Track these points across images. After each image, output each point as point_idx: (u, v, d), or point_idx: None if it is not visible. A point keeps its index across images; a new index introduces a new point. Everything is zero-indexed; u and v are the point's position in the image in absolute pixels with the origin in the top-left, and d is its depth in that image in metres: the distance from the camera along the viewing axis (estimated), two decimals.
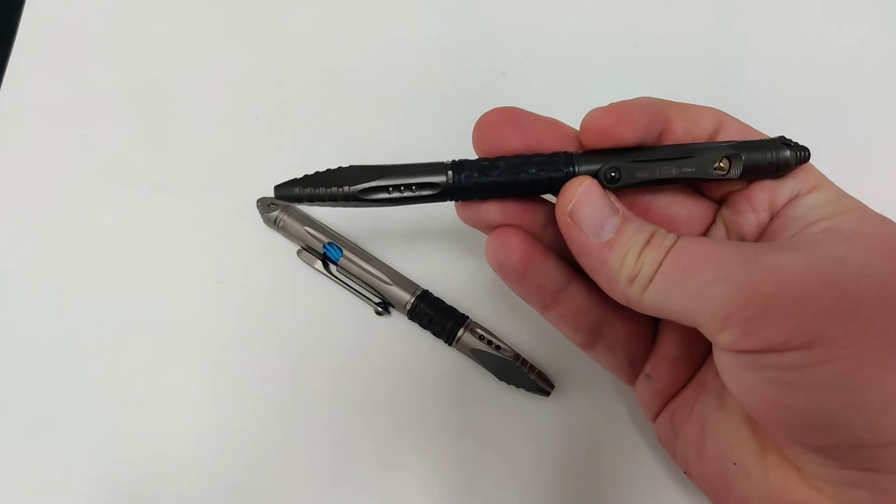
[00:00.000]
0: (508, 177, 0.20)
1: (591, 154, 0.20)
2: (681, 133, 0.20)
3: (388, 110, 0.30)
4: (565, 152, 0.20)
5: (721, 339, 0.17)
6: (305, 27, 0.33)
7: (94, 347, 0.28)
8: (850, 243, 0.18)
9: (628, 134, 0.19)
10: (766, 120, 0.30)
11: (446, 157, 0.30)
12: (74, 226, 0.30)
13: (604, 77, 0.31)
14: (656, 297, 0.18)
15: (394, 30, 0.33)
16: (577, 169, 0.20)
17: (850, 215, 0.19)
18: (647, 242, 0.19)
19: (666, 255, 0.18)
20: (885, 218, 0.19)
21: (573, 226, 0.19)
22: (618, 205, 0.20)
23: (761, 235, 0.21)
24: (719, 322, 0.17)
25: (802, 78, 0.31)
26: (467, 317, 0.26)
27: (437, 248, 0.29)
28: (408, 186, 0.21)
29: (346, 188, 0.20)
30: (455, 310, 0.27)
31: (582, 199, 0.19)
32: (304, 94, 0.31)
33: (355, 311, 0.28)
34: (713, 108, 0.21)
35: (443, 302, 0.27)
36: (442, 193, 0.20)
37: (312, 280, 0.28)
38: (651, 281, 0.18)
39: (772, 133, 0.21)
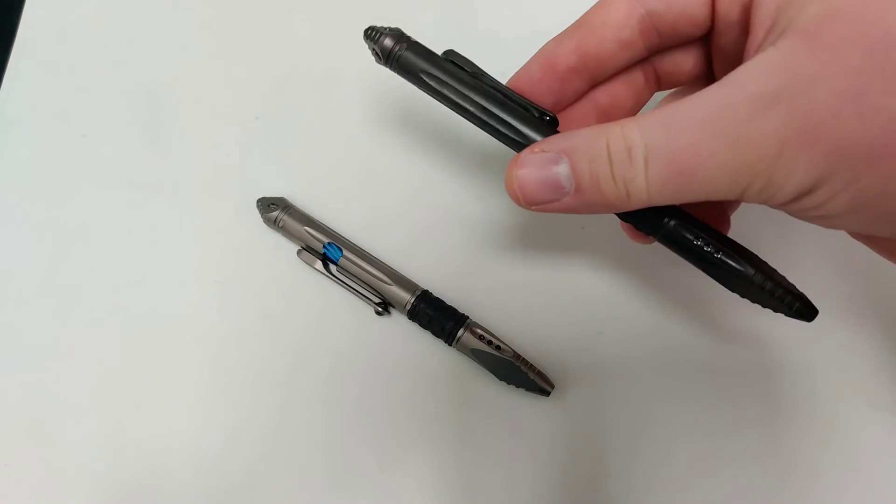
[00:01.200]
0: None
1: None
2: None
3: (388, 110, 0.30)
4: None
5: (749, 199, 0.17)
6: (305, 27, 0.33)
7: (94, 347, 0.28)
8: (817, 51, 0.15)
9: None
10: None
11: (447, 156, 0.30)
12: (75, 226, 0.30)
13: None
14: (669, 197, 0.18)
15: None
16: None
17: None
18: (611, 161, 0.18)
19: (646, 166, 0.17)
20: None
21: (543, 207, 0.19)
22: (556, 145, 0.19)
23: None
24: (738, 196, 0.17)
25: None
26: (467, 317, 0.26)
27: (437, 248, 0.29)
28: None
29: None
30: (455, 310, 0.27)
31: (522, 187, 0.19)
32: (304, 94, 0.31)
33: (355, 311, 0.28)
34: None
35: (443, 302, 0.27)
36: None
37: (312, 280, 0.28)
38: (650, 192, 0.17)
39: None
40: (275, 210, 0.28)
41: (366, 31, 0.23)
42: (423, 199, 0.29)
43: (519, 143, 0.20)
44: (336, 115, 0.31)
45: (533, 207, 0.19)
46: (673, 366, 0.27)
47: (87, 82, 0.32)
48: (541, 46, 0.22)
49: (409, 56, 0.22)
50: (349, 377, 0.27)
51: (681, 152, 0.17)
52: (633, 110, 0.23)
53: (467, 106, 0.21)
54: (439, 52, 0.22)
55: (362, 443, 0.26)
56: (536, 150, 0.19)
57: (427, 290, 0.27)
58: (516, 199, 0.19)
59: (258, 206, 0.29)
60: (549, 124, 0.20)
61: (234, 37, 0.33)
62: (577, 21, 0.21)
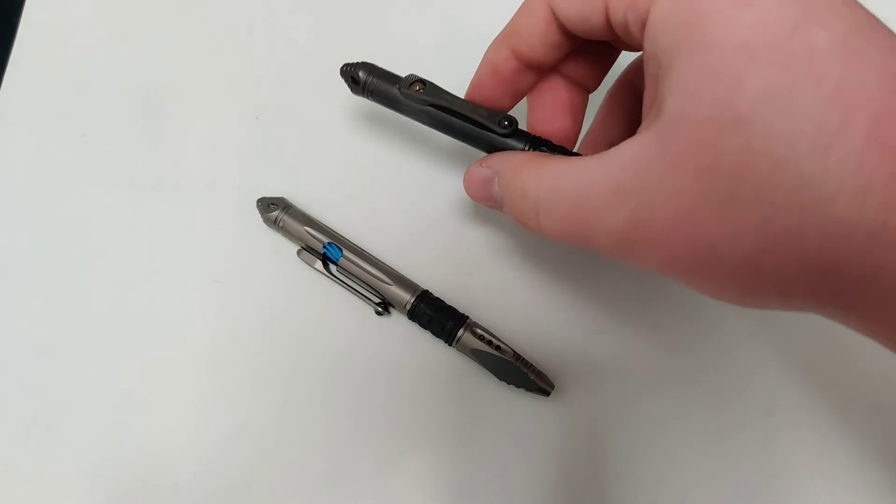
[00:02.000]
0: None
1: None
2: None
3: (388, 110, 0.30)
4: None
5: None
6: (306, 27, 0.33)
7: (93, 347, 0.28)
8: (664, 161, 0.16)
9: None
10: None
11: (447, 156, 0.30)
12: (74, 225, 0.30)
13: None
14: (563, 242, 0.20)
15: (394, 30, 0.33)
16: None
17: (675, 69, 0.16)
18: (516, 200, 0.21)
19: (538, 217, 0.20)
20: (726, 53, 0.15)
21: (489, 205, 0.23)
22: (494, 165, 0.22)
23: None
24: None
25: None
26: (467, 317, 0.26)
27: (437, 248, 0.29)
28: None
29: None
30: (455, 310, 0.27)
31: (469, 190, 0.24)
32: (304, 94, 0.31)
33: (355, 311, 0.28)
34: None
35: (443, 302, 0.27)
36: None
37: (312, 280, 0.28)
38: (548, 235, 0.20)
39: None
40: (275, 210, 0.28)
41: (341, 68, 0.26)
42: (424, 198, 0.29)
43: (485, 146, 0.24)
44: (336, 115, 0.31)
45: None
46: (673, 366, 0.27)
47: (87, 82, 0.32)
48: (483, 54, 0.24)
49: (381, 85, 0.25)
50: (349, 377, 0.27)
51: (562, 218, 0.19)
52: (601, 75, 0.24)
53: (436, 124, 0.24)
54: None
55: (362, 442, 0.26)
56: (483, 165, 0.23)
57: (427, 290, 0.27)
58: (470, 193, 0.24)
59: (258, 206, 0.29)
60: (507, 129, 0.23)
61: (234, 36, 0.33)
62: (506, 28, 0.23)
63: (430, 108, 0.24)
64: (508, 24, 0.23)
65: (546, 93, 0.24)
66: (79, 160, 0.31)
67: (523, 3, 0.22)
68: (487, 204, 0.23)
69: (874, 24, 0.15)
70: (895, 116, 0.14)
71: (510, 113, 0.23)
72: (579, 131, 0.25)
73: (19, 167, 0.31)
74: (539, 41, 0.21)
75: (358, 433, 0.26)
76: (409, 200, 0.30)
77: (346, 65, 0.25)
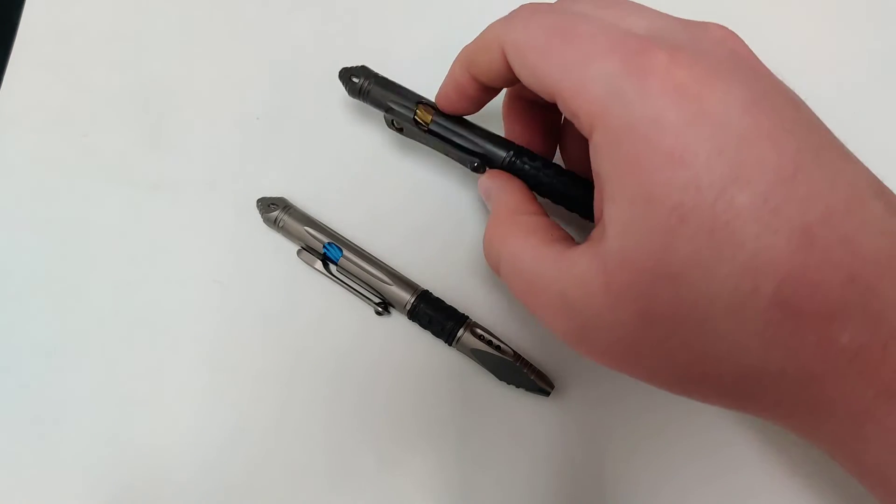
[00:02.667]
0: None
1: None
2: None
3: None
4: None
5: None
6: (306, 27, 0.33)
7: (93, 347, 0.28)
8: (602, 289, 0.18)
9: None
10: None
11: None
12: (74, 226, 0.30)
13: None
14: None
15: (394, 31, 0.33)
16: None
17: (616, 203, 0.17)
18: (490, 242, 0.23)
19: (500, 272, 0.22)
20: (656, 200, 0.16)
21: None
22: (487, 188, 0.24)
23: None
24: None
25: (800, 80, 0.31)
26: (467, 317, 0.26)
27: (437, 249, 0.29)
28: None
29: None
30: (455, 310, 0.27)
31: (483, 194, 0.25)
32: (304, 94, 0.31)
33: (355, 311, 0.28)
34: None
35: (443, 302, 0.27)
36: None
37: (312, 280, 0.28)
38: (508, 287, 0.22)
39: None
40: (275, 210, 0.28)
41: (339, 72, 0.27)
42: (424, 198, 0.29)
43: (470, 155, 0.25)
44: (337, 115, 0.31)
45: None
46: None
47: (88, 82, 0.32)
48: (450, 68, 0.24)
49: (377, 89, 0.26)
50: (349, 377, 0.27)
51: (516, 290, 0.21)
52: None
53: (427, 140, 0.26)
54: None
55: (362, 442, 0.26)
56: (488, 178, 0.24)
57: (427, 290, 0.27)
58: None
59: (258, 206, 0.29)
60: (476, 170, 0.25)
61: (234, 37, 0.33)
62: (466, 54, 0.23)
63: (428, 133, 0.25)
64: (467, 49, 0.23)
65: (516, 108, 0.25)
66: (79, 160, 0.31)
67: (482, 35, 0.22)
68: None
69: (799, 165, 0.16)
70: (796, 277, 0.15)
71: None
72: (555, 143, 0.26)
73: (19, 167, 0.31)
74: (496, 76, 0.22)
75: (358, 433, 0.26)
76: (409, 200, 0.30)
77: (344, 70, 0.27)
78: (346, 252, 0.27)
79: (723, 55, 0.18)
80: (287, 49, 0.32)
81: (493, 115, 0.26)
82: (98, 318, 0.28)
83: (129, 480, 0.26)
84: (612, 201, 0.17)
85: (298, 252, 0.28)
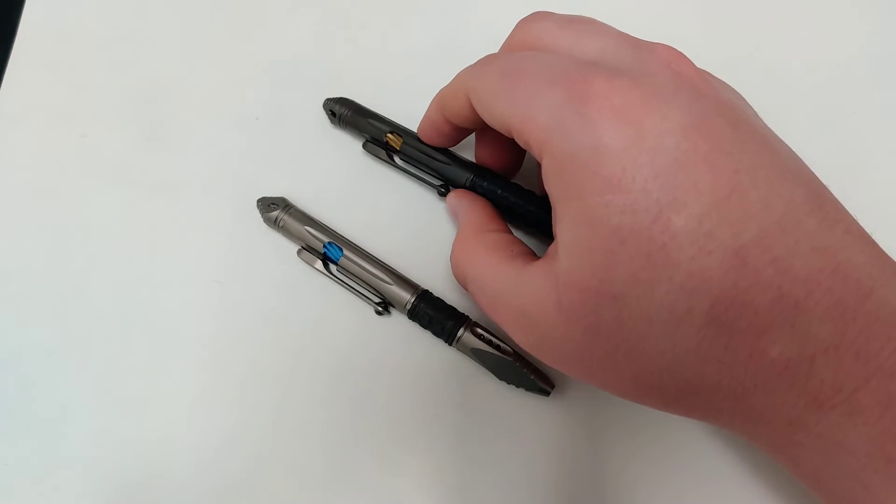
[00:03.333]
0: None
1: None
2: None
3: (388, 112, 0.30)
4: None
5: None
6: (306, 27, 0.33)
7: (93, 347, 0.28)
8: (556, 309, 0.19)
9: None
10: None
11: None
12: (74, 226, 0.30)
13: None
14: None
15: (394, 31, 0.33)
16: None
17: (563, 224, 0.19)
18: (455, 261, 0.24)
19: (467, 286, 0.23)
20: (599, 221, 0.17)
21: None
22: (454, 207, 0.26)
23: None
24: None
25: (800, 81, 0.32)
26: (467, 316, 0.26)
27: (437, 248, 0.29)
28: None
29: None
30: (455, 309, 0.27)
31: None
32: (304, 94, 0.31)
33: (355, 310, 0.28)
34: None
35: (443, 301, 0.27)
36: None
37: (312, 280, 0.28)
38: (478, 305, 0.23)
39: None
40: (275, 210, 0.28)
41: (323, 103, 0.30)
42: (424, 198, 0.30)
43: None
44: None
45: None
46: None
47: (87, 82, 0.32)
48: (428, 108, 0.26)
49: (354, 118, 0.29)
50: (349, 377, 0.27)
51: (482, 305, 0.22)
52: None
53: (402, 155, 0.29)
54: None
55: (361, 442, 0.26)
56: (454, 198, 0.27)
57: (427, 290, 0.27)
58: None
59: (258, 206, 0.29)
60: (441, 193, 0.28)
61: (234, 37, 0.33)
62: (441, 98, 0.25)
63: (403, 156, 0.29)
64: (441, 93, 0.25)
65: (487, 134, 0.26)
66: (79, 161, 0.31)
67: (452, 83, 0.24)
68: None
69: (734, 187, 0.17)
70: (728, 298, 0.16)
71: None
72: (520, 164, 0.27)
73: (19, 167, 0.31)
74: (465, 118, 0.23)
75: (358, 433, 0.26)
76: (409, 200, 0.30)
77: (328, 100, 0.30)
78: (346, 251, 0.27)
79: (666, 78, 0.18)
80: (287, 49, 0.33)
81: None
82: (98, 318, 0.28)
83: (129, 480, 0.26)
84: (561, 223, 0.18)
85: (298, 252, 0.28)
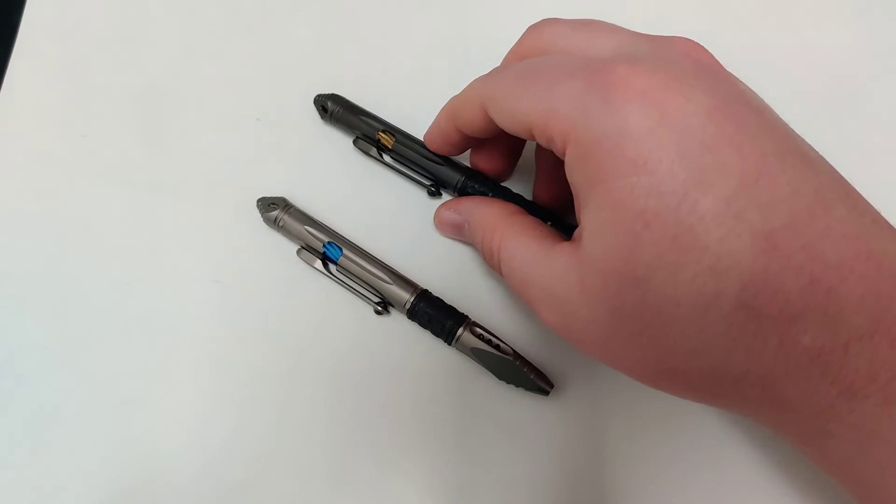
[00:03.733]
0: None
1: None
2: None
3: (386, 113, 0.30)
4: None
5: None
6: (306, 28, 0.33)
7: (93, 347, 0.28)
8: (578, 289, 0.19)
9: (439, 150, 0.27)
10: None
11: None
12: (74, 226, 0.30)
13: None
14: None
15: (394, 32, 0.33)
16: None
17: (588, 210, 0.18)
18: (483, 249, 0.24)
19: (501, 268, 0.23)
20: (624, 207, 0.17)
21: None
22: (464, 212, 0.26)
23: None
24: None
25: (801, 81, 0.32)
26: (467, 316, 0.26)
27: (437, 248, 0.29)
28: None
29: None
30: (455, 309, 0.27)
31: (442, 226, 0.28)
32: (304, 95, 0.31)
33: (355, 310, 0.28)
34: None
35: (442, 301, 0.27)
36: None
37: (312, 279, 0.28)
38: (511, 288, 0.23)
39: None
40: (275, 210, 0.28)
41: (314, 99, 0.30)
42: (424, 198, 0.30)
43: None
44: None
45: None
46: None
47: (87, 82, 0.32)
48: (437, 115, 0.26)
49: (345, 115, 0.30)
50: (348, 376, 0.27)
51: (515, 287, 0.22)
52: None
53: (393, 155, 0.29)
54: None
55: (361, 442, 0.26)
56: (453, 210, 0.27)
57: (427, 290, 0.27)
58: (440, 230, 0.28)
59: (258, 206, 0.29)
60: (432, 193, 0.29)
61: (234, 37, 0.33)
62: (452, 107, 0.25)
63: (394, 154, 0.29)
64: (452, 103, 0.25)
65: (485, 140, 0.26)
66: (79, 160, 0.31)
67: (464, 92, 0.24)
68: (458, 239, 0.28)
69: (762, 170, 0.16)
70: (758, 282, 0.16)
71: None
72: (513, 168, 0.28)
73: (19, 167, 0.31)
74: (478, 128, 0.24)
75: (358, 432, 0.26)
76: (409, 200, 0.30)
77: (319, 96, 0.30)
78: (345, 251, 0.27)
79: (686, 64, 0.19)
80: (287, 49, 0.33)
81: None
82: (97, 317, 0.28)
83: (128, 480, 0.26)
84: (585, 208, 0.18)
85: (298, 251, 0.28)
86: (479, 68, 0.32)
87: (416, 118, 0.30)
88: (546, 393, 0.26)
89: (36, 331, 0.28)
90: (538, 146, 0.27)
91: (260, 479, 0.26)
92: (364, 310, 0.28)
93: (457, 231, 0.27)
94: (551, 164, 0.26)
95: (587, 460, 0.26)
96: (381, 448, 0.26)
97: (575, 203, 0.20)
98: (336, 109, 0.30)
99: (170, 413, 0.27)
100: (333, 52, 0.33)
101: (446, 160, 0.28)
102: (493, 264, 0.24)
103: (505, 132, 0.22)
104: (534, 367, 0.26)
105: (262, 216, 0.29)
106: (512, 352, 0.26)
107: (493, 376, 0.26)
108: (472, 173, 0.28)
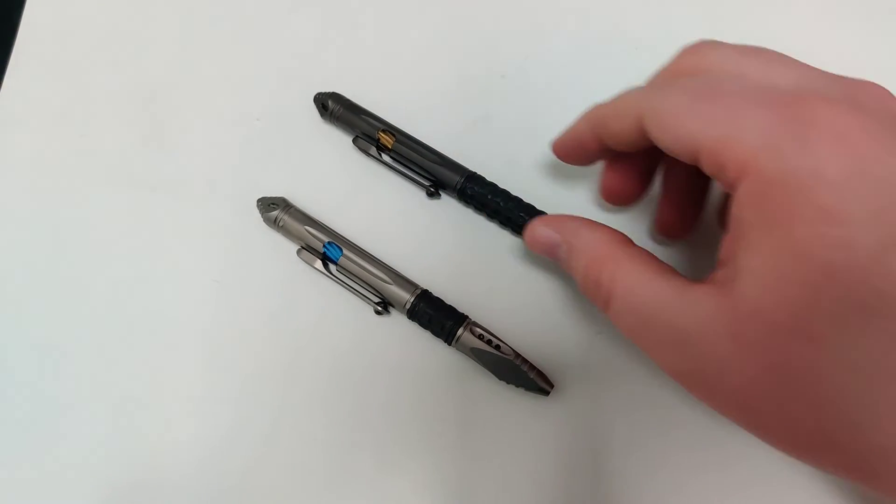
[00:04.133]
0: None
1: None
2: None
3: (386, 113, 0.30)
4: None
5: None
6: (306, 28, 0.33)
7: (93, 347, 0.28)
8: (726, 338, 0.17)
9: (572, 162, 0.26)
10: None
11: (446, 155, 0.30)
12: (74, 225, 0.30)
13: (603, 79, 0.31)
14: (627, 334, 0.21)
15: (393, 32, 0.33)
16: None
17: (756, 252, 0.17)
18: (587, 279, 0.22)
19: (608, 304, 0.21)
20: (807, 256, 0.16)
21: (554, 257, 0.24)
22: (565, 234, 0.23)
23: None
24: None
25: None
26: (467, 316, 0.26)
27: (437, 248, 0.29)
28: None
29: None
30: (455, 309, 0.27)
31: (533, 245, 0.25)
32: (304, 95, 0.31)
33: (355, 310, 0.28)
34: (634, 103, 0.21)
35: (442, 301, 0.27)
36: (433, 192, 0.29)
37: (312, 280, 0.28)
38: (618, 324, 0.21)
39: None
40: (275, 210, 0.28)
41: (314, 97, 0.30)
42: (423, 198, 0.30)
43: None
44: None
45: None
46: None
47: (87, 82, 0.32)
48: (575, 119, 0.24)
49: (345, 114, 0.30)
50: (348, 376, 0.27)
51: (627, 326, 0.20)
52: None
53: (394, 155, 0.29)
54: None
55: (361, 442, 0.26)
56: (551, 228, 0.24)
57: (427, 290, 0.27)
58: (529, 246, 0.25)
59: (258, 206, 0.29)
60: (431, 194, 0.29)
61: (234, 37, 0.33)
62: (597, 115, 0.23)
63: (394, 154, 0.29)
64: (599, 111, 0.23)
65: (622, 161, 0.25)
66: (79, 160, 0.31)
67: (616, 102, 0.22)
68: (551, 259, 0.25)
69: None
70: None
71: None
72: (646, 191, 0.26)
73: (19, 167, 0.31)
74: (625, 142, 0.22)
75: (357, 432, 0.26)
76: (408, 200, 0.30)
77: (319, 94, 0.30)
78: (345, 251, 0.27)
79: (884, 112, 0.17)
80: (287, 49, 0.33)
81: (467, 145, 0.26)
82: (97, 317, 0.28)
83: (127, 480, 0.26)
84: (753, 250, 0.17)
85: (298, 252, 0.28)
86: (480, 68, 0.32)
87: (416, 118, 0.30)
88: (546, 393, 0.26)
89: (36, 330, 0.28)
90: (669, 169, 0.25)
91: (259, 478, 0.26)
92: (364, 310, 0.28)
93: (550, 251, 0.24)
94: (684, 191, 0.25)
95: (587, 460, 0.26)
96: (381, 448, 0.26)
97: (730, 239, 0.18)
98: (336, 108, 0.30)
99: (169, 412, 0.27)
100: (333, 53, 0.33)
101: (446, 160, 0.28)
102: (596, 297, 0.21)
103: (647, 151, 0.21)
104: (534, 367, 0.26)
105: (262, 216, 0.29)
106: (512, 352, 0.26)
107: (493, 376, 0.26)
108: (470, 175, 0.28)
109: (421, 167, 0.28)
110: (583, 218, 0.24)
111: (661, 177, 0.26)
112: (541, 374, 0.26)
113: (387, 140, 0.29)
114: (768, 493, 0.25)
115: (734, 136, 0.17)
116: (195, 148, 0.31)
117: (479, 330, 0.26)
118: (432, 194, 0.29)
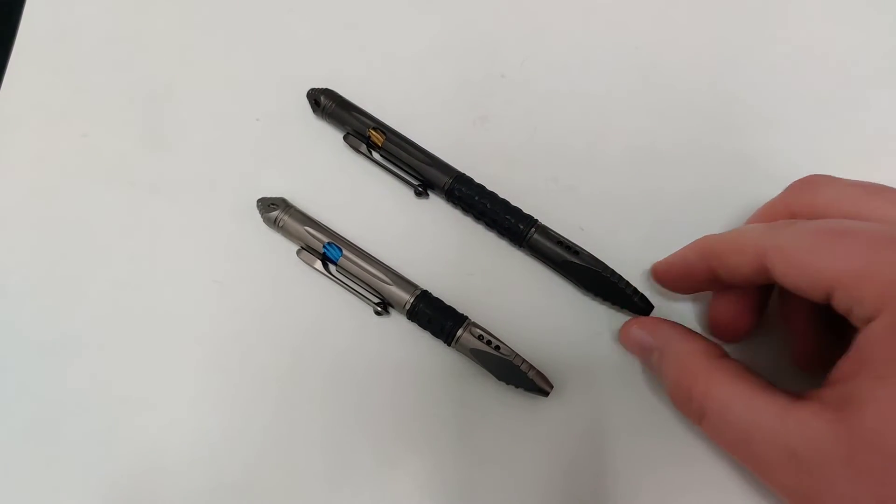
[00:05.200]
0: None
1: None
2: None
3: (385, 113, 0.30)
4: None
5: None
6: (305, 27, 0.33)
7: (92, 347, 0.28)
8: (842, 465, 0.17)
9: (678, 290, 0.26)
10: (768, 122, 0.31)
11: (446, 157, 0.30)
12: (74, 226, 0.30)
13: (603, 79, 0.31)
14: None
15: (392, 33, 0.33)
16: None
17: (888, 383, 0.17)
18: (679, 391, 0.22)
19: (700, 419, 0.21)
20: None
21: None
22: (659, 339, 0.24)
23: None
24: None
25: (804, 79, 0.32)
26: (466, 317, 0.26)
27: (437, 248, 0.29)
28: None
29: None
30: (454, 310, 0.27)
31: (626, 343, 0.26)
32: (303, 96, 0.31)
33: (354, 311, 0.28)
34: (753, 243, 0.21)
35: (442, 302, 0.27)
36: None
37: (312, 280, 0.28)
38: (712, 437, 0.22)
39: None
40: (275, 210, 0.28)
41: (307, 93, 0.30)
42: (423, 198, 0.30)
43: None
44: None
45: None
46: None
47: (87, 82, 0.32)
48: (683, 249, 0.25)
49: (337, 110, 0.30)
50: (348, 377, 0.27)
51: (725, 440, 0.21)
52: None
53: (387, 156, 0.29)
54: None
55: (361, 442, 0.26)
56: (647, 332, 0.25)
57: (426, 291, 0.27)
58: (623, 344, 0.26)
59: (258, 206, 0.29)
60: (420, 193, 0.29)
61: (234, 37, 0.33)
62: (713, 245, 0.23)
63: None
64: (713, 244, 0.23)
65: (731, 294, 0.25)
66: (79, 160, 0.31)
67: (734, 236, 0.22)
68: (639, 359, 0.26)
69: None
70: None
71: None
72: (754, 327, 0.25)
73: (19, 167, 0.31)
74: (741, 276, 0.22)
75: (357, 433, 0.26)
76: (408, 200, 0.30)
77: (312, 90, 0.30)
78: (345, 252, 0.27)
79: None
80: (286, 49, 0.33)
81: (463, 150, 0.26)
82: (97, 317, 0.28)
83: (127, 480, 0.26)
84: (882, 381, 0.17)
85: (298, 252, 0.28)
86: (480, 68, 0.32)
87: (416, 118, 0.30)
88: (546, 393, 0.26)
89: (35, 330, 0.28)
90: (787, 307, 0.25)
91: (259, 478, 0.26)
92: (364, 310, 0.28)
93: (643, 353, 0.25)
94: (814, 327, 0.24)
95: (587, 460, 0.26)
96: (380, 448, 0.26)
97: (850, 363, 0.18)
98: (328, 104, 0.30)
99: (169, 412, 0.27)
100: (333, 53, 0.33)
101: (435, 160, 0.28)
102: (688, 410, 0.22)
103: (758, 285, 0.21)
104: (533, 367, 0.26)
105: (262, 216, 0.29)
106: (511, 352, 0.26)
107: (493, 377, 0.26)
108: (459, 176, 0.28)
109: (410, 166, 0.28)
110: (679, 325, 0.24)
111: (786, 316, 0.25)
112: (540, 374, 0.26)
113: (377, 138, 0.29)
114: (768, 493, 0.25)
115: (874, 271, 0.17)
116: (195, 148, 0.31)
117: (478, 331, 0.26)
118: (420, 194, 0.29)
